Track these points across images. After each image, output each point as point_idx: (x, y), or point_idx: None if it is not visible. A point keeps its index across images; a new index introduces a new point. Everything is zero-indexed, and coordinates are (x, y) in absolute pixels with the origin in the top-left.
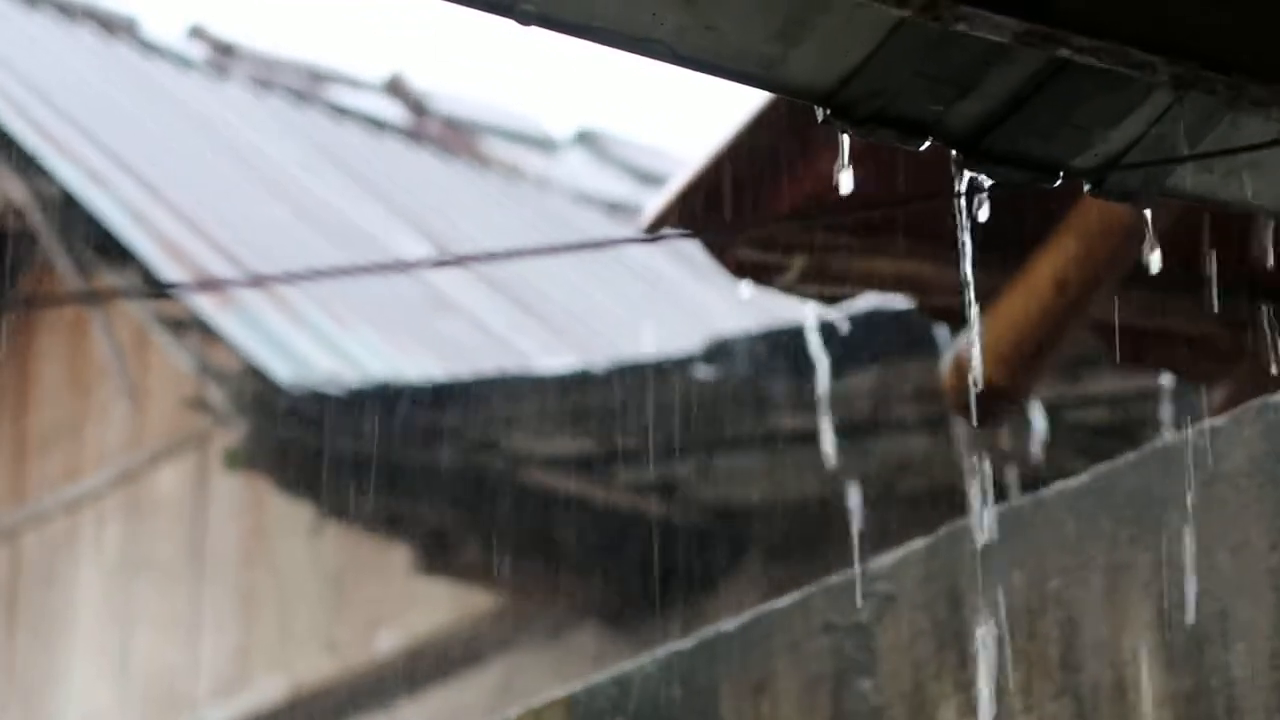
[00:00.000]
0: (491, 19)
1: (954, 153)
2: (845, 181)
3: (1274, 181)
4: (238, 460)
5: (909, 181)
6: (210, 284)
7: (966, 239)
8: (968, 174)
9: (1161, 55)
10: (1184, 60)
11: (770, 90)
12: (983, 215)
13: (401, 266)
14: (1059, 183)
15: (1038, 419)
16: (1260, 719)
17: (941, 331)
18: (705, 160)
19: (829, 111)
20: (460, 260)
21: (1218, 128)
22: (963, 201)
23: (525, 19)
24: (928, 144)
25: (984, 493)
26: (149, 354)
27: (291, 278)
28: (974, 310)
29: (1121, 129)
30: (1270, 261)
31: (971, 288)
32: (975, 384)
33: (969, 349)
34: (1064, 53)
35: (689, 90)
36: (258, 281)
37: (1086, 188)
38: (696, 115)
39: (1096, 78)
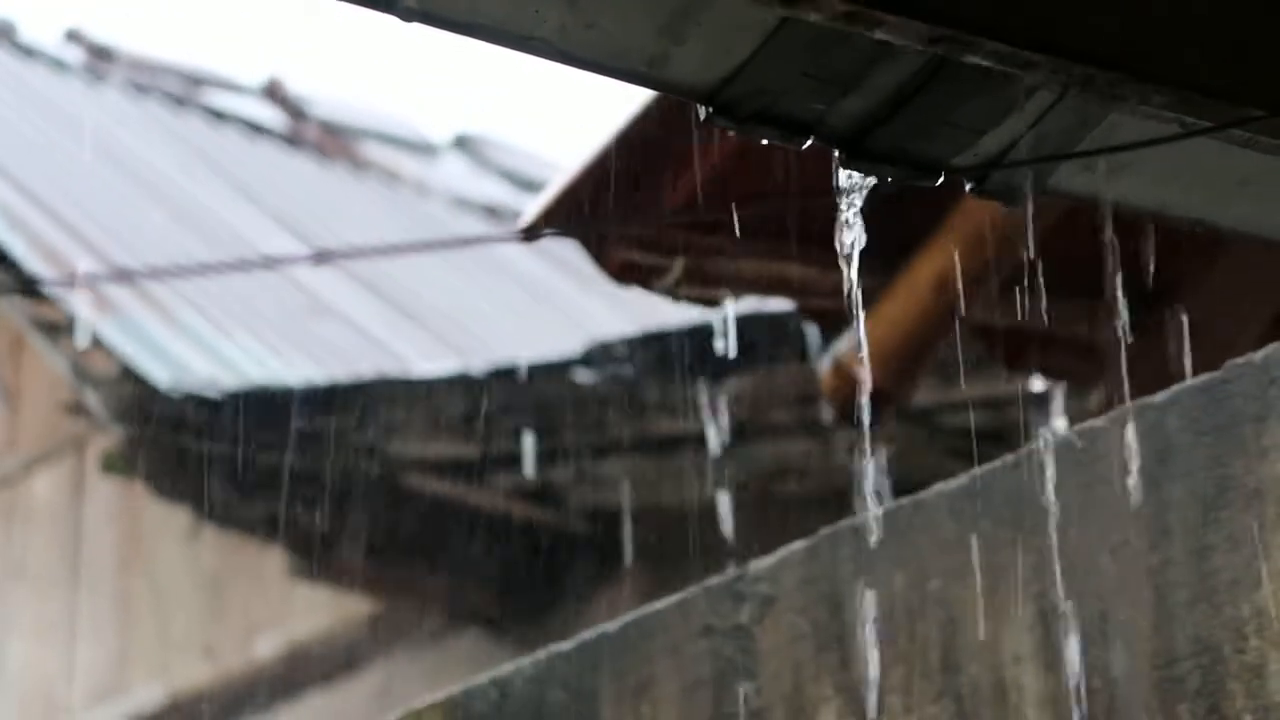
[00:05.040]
0: (373, 15)
1: (836, 152)
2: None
3: (1152, 182)
4: (115, 465)
5: (789, 182)
6: (83, 280)
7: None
8: (848, 173)
9: (1044, 54)
10: (1066, 60)
11: (654, 88)
12: (859, 217)
13: (274, 262)
14: (940, 181)
15: (917, 421)
16: (1141, 719)
17: (821, 334)
18: (583, 164)
19: (712, 110)
20: (332, 256)
21: (1098, 128)
22: (843, 200)
23: (408, 15)
24: (810, 143)
25: (863, 495)
26: (24, 358)
27: (161, 273)
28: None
29: (1003, 128)
30: (1151, 263)
31: (854, 289)
32: (856, 386)
33: (849, 351)
34: (948, 51)
35: (570, 92)
36: (125, 277)
37: (968, 187)
38: (577, 118)
39: (979, 77)
